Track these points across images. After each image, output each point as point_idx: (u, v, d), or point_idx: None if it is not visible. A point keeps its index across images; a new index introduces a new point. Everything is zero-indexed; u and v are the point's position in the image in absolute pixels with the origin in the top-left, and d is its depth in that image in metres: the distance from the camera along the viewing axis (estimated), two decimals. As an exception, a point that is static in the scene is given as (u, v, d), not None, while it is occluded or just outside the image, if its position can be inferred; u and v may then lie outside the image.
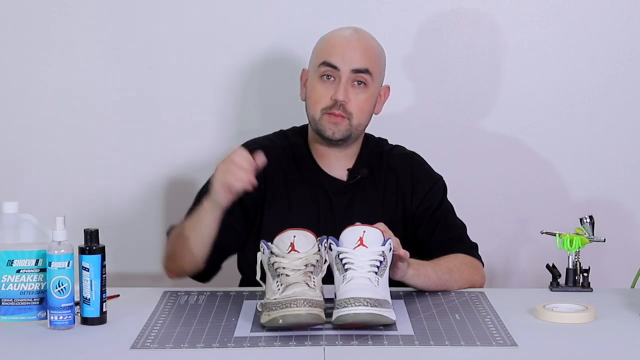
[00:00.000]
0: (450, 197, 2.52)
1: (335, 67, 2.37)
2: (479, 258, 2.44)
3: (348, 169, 2.46)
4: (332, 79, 2.38)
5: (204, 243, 2.31)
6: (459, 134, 2.99)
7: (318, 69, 2.39)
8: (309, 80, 2.43)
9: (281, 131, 2.55)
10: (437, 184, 2.50)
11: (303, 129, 2.51)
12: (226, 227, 2.32)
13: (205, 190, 2.45)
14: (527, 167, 3.00)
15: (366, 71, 2.38)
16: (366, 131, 2.51)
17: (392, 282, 2.11)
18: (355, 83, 2.38)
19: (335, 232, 2.10)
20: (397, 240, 2.14)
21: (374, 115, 2.47)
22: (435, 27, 2.96)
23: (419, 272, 2.24)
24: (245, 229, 2.40)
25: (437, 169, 2.54)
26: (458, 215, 2.52)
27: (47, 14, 2.93)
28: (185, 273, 2.39)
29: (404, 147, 2.55)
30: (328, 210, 2.42)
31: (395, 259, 2.13)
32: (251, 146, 2.48)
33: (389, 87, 2.50)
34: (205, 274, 2.40)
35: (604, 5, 2.95)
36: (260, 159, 2.21)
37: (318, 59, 2.40)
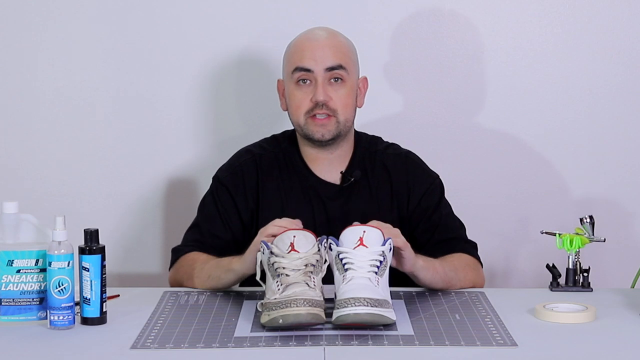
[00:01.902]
0: (450, 197, 2.52)
1: (308, 70, 2.37)
2: (478, 258, 2.44)
3: (341, 172, 2.45)
4: (307, 82, 2.38)
5: (223, 289, 2.32)
6: (458, 133, 2.99)
7: (292, 75, 2.39)
8: (286, 89, 2.43)
9: (273, 136, 2.54)
10: (434, 184, 2.48)
11: (294, 134, 2.50)
12: (228, 240, 2.39)
13: (206, 200, 2.47)
14: (527, 167, 3.00)
15: (340, 67, 2.38)
16: (363, 130, 2.51)
17: (392, 282, 2.11)
18: (332, 80, 2.38)
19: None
20: (398, 230, 2.14)
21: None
22: (434, 27, 2.96)
23: (428, 265, 2.24)
24: (242, 236, 2.40)
25: (436, 169, 2.53)
26: (458, 215, 2.51)
27: (47, 15, 2.93)
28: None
29: (399, 146, 2.54)
30: (323, 215, 2.42)
31: (397, 250, 2.13)
32: (244, 155, 2.49)
33: (366, 78, 2.49)
34: None
35: (604, 5, 2.95)
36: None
37: (290, 66, 2.40)
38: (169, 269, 2.44)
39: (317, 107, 2.37)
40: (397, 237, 2.14)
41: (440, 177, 2.52)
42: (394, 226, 2.39)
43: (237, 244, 2.38)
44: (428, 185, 2.47)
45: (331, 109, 2.37)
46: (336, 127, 2.38)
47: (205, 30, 2.94)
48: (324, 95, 2.36)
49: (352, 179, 2.43)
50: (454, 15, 2.96)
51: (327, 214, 2.42)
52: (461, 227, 2.49)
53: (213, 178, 2.50)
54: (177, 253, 2.43)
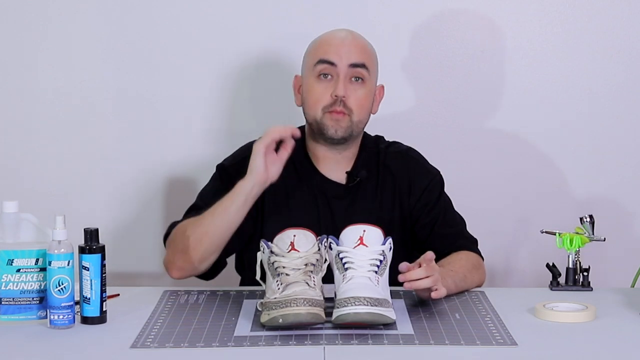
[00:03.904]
0: (450, 196, 2.52)
1: (332, 63, 2.37)
2: (479, 253, 2.46)
3: (347, 172, 2.46)
4: (329, 77, 2.38)
5: (225, 233, 2.26)
6: (459, 133, 2.99)
7: (314, 68, 2.39)
8: (305, 81, 2.42)
9: None
10: (434, 180, 2.49)
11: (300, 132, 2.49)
12: None
13: (209, 186, 2.45)
14: (527, 167, 3.00)
15: (363, 65, 2.38)
16: (365, 129, 2.51)
17: (392, 282, 2.11)
18: (353, 79, 2.38)
19: (335, 236, 2.10)
20: (438, 278, 2.14)
21: (372, 116, 2.47)
22: (435, 27, 2.96)
23: (447, 291, 2.22)
24: (249, 228, 2.38)
25: (437, 168, 2.54)
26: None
27: (47, 15, 2.93)
28: (193, 269, 2.31)
29: (400, 144, 2.54)
30: (328, 214, 2.42)
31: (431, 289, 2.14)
32: (249, 150, 2.48)
33: (383, 87, 2.50)
34: (211, 270, 2.36)
35: (603, 4, 2.95)
36: (295, 133, 2.23)
37: (313, 59, 2.40)
38: (164, 245, 2.38)
39: (335, 103, 2.36)
40: (440, 287, 2.14)
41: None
42: (396, 223, 2.40)
43: (242, 231, 2.32)
44: (429, 181, 2.48)
45: (347, 107, 2.37)
46: (349, 126, 2.38)
47: (205, 29, 2.94)
48: (344, 91, 2.36)
49: (358, 179, 2.43)
50: (454, 14, 2.96)
51: (332, 212, 2.42)
52: (461, 221, 2.50)
53: (217, 166, 2.47)
54: (171, 228, 2.36)
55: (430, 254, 2.14)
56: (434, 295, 2.13)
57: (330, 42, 2.40)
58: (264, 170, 2.24)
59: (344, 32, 2.43)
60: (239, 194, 2.25)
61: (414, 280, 2.11)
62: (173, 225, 2.39)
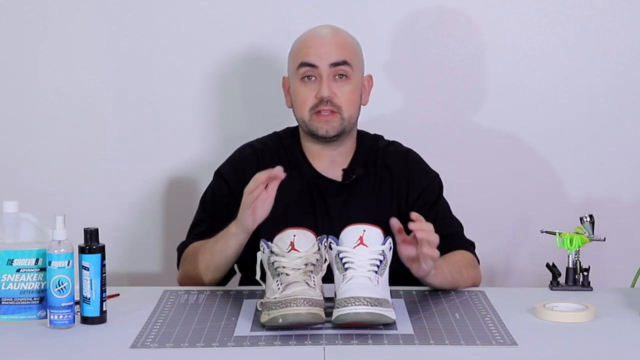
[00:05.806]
0: (450, 196, 2.52)
1: (313, 66, 2.38)
2: (476, 256, 2.45)
3: (343, 169, 2.46)
4: (313, 78, 2.39)
5: (229, 265, 2.34)
6: (458, 133, 2.99)
7: (297, 71, 2.40)
8: (291, 85, 2.44)
9: (275, 133, 2.55)
10: (433, 182, 2.49)
11: (296, 130, 2.51)
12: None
13: (208, 196, 2.48)
14: (527, 166, 3.00)
15: (344, 63, 2.39)
16: (363, 129, 2.51)
17: (392, 281, 2.11)
18: (337, 77, 2.39)
19: (332, 234, 2.10)
20: (437, 237, 2.14)
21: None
22: (434, 27, 2.96)
23: (438, 272, 2.23)
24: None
25: (436, 168, 2.53)
26: (459, 214, 2.51)
27: (47, 15, 2.93)
28: (205, 286, 2.38)
29: (400, 144, 2.55)
30: (324, 212, 2.42)
31: (424, 256, 2.13)
32: (246, 150, 2.50)
33: (371, 76, 2.50)
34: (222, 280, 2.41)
35: (603, 4, 2.95)
36: (278, 173, 2.20)
37: (295, 62, 2.41)
38: (178, 268, 2.45)
39: (321, 103, 2.37)
40: (433, 245, 2.14)
41: (440, 176, 2.52)
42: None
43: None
44: (427, 182, 2.48)
45: (336, 105, 2.38)
46: (340, 124, 2.39)
47: (205, 29, 2.94)
48: (329, 92, 2.37)
49: (354, 176, 2.43)
50: (454, 14, 2.96)
51: (328, 210, 2.42)
52: (459, 225, 2.50)
53: (215, 173, 2.51)
54: (181, 250, 2.44)
55: (415, 214, 2.14)
56: (426, 251, 2.11)
57: (310, 44, 2.40)
58: (252, 222, 2.23)
59: (323, 30, 2.43)
60: (232, 238, 2.28)
61: (426, 230, 2.11)
62: (181, 247, 2.45)
